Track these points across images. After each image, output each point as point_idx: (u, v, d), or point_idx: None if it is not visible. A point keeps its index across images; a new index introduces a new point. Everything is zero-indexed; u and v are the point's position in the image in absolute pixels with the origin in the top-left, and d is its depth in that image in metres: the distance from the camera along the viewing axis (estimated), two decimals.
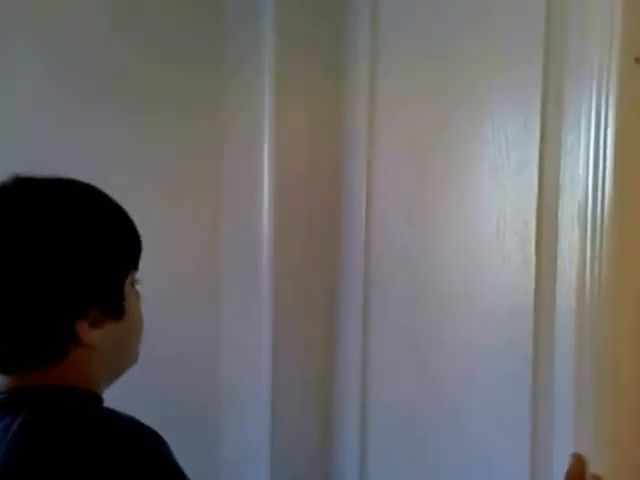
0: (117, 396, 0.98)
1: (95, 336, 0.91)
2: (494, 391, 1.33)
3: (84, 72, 1.78)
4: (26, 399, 0.89)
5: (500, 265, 1.30)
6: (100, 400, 0.94)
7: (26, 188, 0.93)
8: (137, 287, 1.00)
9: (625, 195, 1.12)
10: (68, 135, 1.76)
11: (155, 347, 1.67)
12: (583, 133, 1.15)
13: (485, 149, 1.32)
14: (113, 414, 0.88)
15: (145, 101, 1.82)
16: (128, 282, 0.97)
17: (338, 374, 1.80)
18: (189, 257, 1.88)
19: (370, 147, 1.67)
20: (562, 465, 1.17)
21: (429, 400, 1.50)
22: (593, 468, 1.09)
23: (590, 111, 1.13)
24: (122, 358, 0.99)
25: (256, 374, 1.82)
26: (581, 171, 1.15)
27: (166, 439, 0.88)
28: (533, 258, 1.24)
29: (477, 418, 1.38)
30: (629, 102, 1.11)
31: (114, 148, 1.80)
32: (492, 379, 1.33)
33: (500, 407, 1.32)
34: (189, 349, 1.86)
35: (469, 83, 1.38)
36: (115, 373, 0.99)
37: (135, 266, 0.98)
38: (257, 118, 1.78)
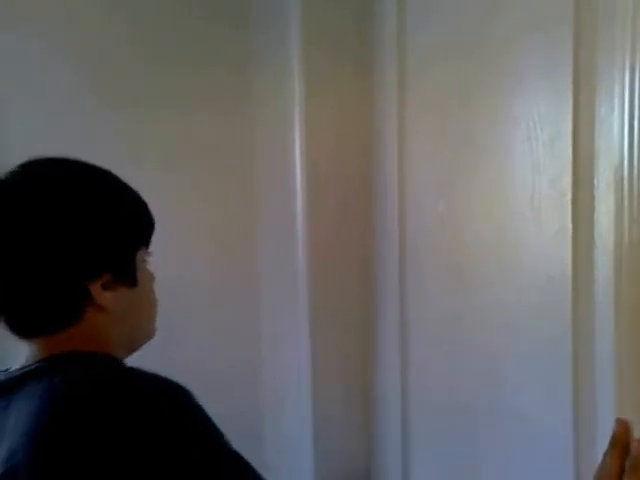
0: None
1: (108, 298, 0.96)
2: (534, 361, 1.33)
3: (114, 72, 1.81)
4: (55, 365, 0.92)
5: (536, 236, 1.30)
6: (118, 363, 0.96)
7: (39, 165, 1.00)
8: (150, 269, 1.05)
9: None
10: (98, 136, 1.78)
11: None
12: (617, 100, 1.15)
13: (518, 122, 1.33)
14: (141, 372, 0.91)
15: (174, 101, 1.85)
16: (140, 257, 1.02)
17: (377, 354, 1.81)
18: (225, 261, 1.91)
19: (401, 134, 1.69)
20: (605, 430, 1.17)
21: (469, 375, 1.51)
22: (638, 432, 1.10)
23: (623, 78, 1.14)
24: (137, 326, 1.04)
25: (295, 367, 1.84)
26: (616, 138, 1.16)
27: None
28: (570, 227, 1.25)
29: (518, 390, 1.38)
30: None
31: (145, 149, 1.83)
32: (532, 350, 1.34)
33: (541, 377, 1.32)
34: (229, 350, 1.90)
35: (499, 61, 1.39)
36: (132, 341, 1.04)
37: (147, 244, 1.04)
38: (287, 112, 1.80)
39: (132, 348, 1.04)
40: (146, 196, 1.05)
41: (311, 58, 1.75)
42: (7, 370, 0.99)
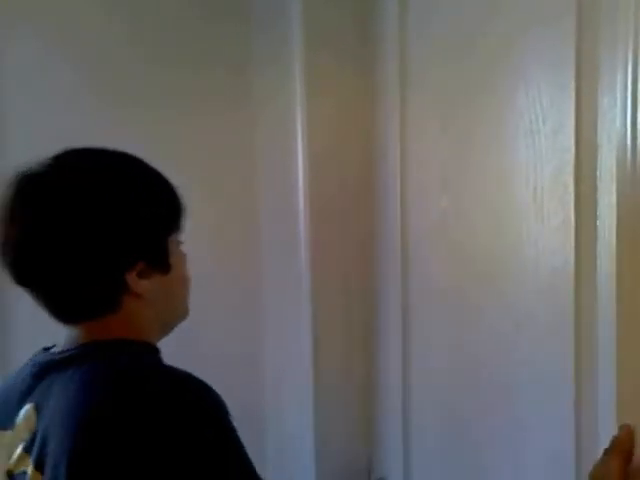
0: None
1: (144, 286, 1.01)
2: (536, 354, 1.33)
3: (114, 72, 1.81)
4: (93, 352, 0.98)
5: (539, 228, 1.31)
6: (158, 351, 1.04)
7: (72, 156, 1.03)
8: (182, 249, 1.11)
9: None
10: (98, 136, 1.75)
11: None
12: (619, 93, 1.15)
13: (520, 116, 1.33)
14: (173, 368, 0.95)
15: (174, 101, 1.84)
16: (173, 241, 1.07)
17: (379, 354, 1.81)
18: (225, 260, 1.91)
19: (403, 131, 1.69)
20: (606, 418, 1.18)
21: (472, 373, 1.51)
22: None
23: (626, 71, 1.14)
24: (172, 310, 1.09)
25: (297, 367, 1.84)
26: (618, 131, 1.16)
27: None
28: (572, 220, 1.25)
29: (520, 385, 1.38)
30: None
31: (145, 149, 1.82)
32: (534, 342, 1.34)
33: (543, 369, 1.32)
34: (232, 347, 1.90)
35: (501, 55, 1.39)
36: (167, 323, 1.09)
37: (178, 227, 1.09)
38: (288, 111, 1.80)
39: (167, 330, 1.09)
40: None
41: (312, 58, 1.76)
42: (50, 348, 1.05)
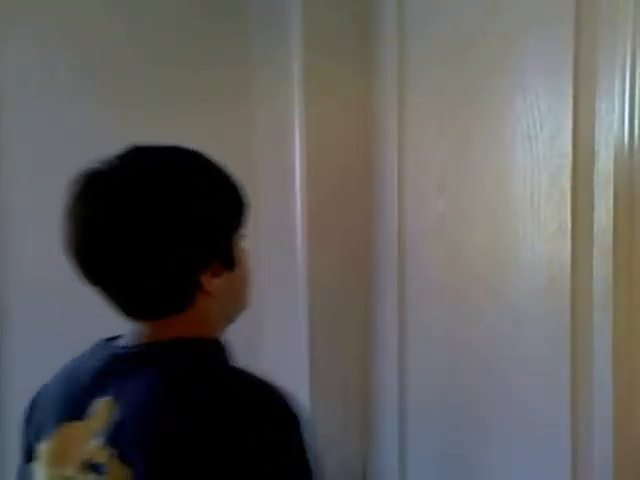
0: None
1: (215, 284, 1.03)
2: (532, 359, 1.34)
3: (114, 72, 1.82)
4: (161, 352, 1.00)
5: (536, 233, 1.31)
6: (224, 349, 1.05)
7: (144, 154, 1.03)
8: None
9: None
10: (98, 135, 1.78)
11: None
12: (617, 99, 1.16)
13: (518, 120, 1.34)
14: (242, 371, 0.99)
15: (173, 101, 1.85)
16: (238, 237, 1.08)
17: (375, 355, 1.82)
18: None
19: (401, 133, 1.70)
20: (602, 428, 1.19)
21: (467, 375, 1.51)
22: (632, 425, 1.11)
23: (624, 76, 1.15)
24: (236, 304, 1.11)
25: (294, 368, 1.84)
26: (616, 136, 1.16)
27: None
28: (569, 226, 1.25)
29: (516, 390, 1.39)
30: None
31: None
32: (530, 347, 1.34)
33: (539, 375, 1.32)
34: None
35: (499, 59, 1.40)
36: (231, 317, 1.12)
37: (243, 223, 1.09)
38: (287, 112, 1.80)
39: (230, 322, 1.11)
40: None
41: (311, 58, 1.76)
42: (111, 340, 1.06)
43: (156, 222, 0.96)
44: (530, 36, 1.31)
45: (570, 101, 1.23)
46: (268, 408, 0.94)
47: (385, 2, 1.72)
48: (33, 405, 1.12)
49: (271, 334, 1.93)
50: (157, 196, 0.97)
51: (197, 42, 1.87)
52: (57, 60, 1.79)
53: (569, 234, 1.25)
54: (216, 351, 1.05)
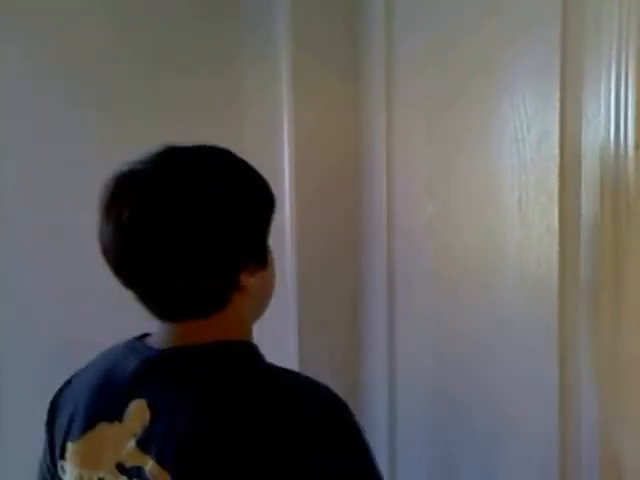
0: None
1: (252, 283, 1.04)
2: (520, 361, 1.34)
3: (100, 73, 1.81)
4: (197, 359, 1.00)
5: (523, 237, 1.31)
6: (257, 352, 1.05)
7: (179, 154, 1.03)
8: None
9: None
10: (83, 137, 1.80)
11: None
12: (603, 102, 1.15)
13: (505, 124, 1.34)
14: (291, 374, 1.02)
15: (159, 103, 1.84)
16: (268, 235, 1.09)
17: (364, 352, 1.83)
18: None
19: (389, 135, 1.69)
20: (590, 428, 1.20)
21: (456, 373, 1.52)
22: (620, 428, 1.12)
23: (610, 79, 1.14)
24: (266, 301, 1.13)
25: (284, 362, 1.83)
26: (603, 139, 1.16)
27: None
28: (557, 228, 1.25)
29: (504, 389, 1.39)
30: None
31: (130, 147, 1.81)
32: (518, 349, 1.35)
33: (527, 376, 1.33)
34: None
35: (486, 63, 1.39)
36: (260, 314, 1.13)
37: (273, 217, 1.10)
38: (275, 113, 1.80)
39: (258, 319, 1.12)
40: None
41: (300, 59, 1.75)
42: (141, 338, 1.06)
43: (193, 222, 0.96)
44: (517, 40, 1.31)
45: (557, 104, 1.23)
46: (321, 413, 0.95)
47: (373, 4, 1.71)
48: (57, 403, 1.12)
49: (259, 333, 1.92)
50: (191, 196, 0.97)
51: (185, 42, 1.86)
52: (50, 60, 1.79)
53: (557, 237, 1.25)
54: (251, 355, 1.04)
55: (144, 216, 0.96)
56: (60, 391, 1.13)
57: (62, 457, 1.05)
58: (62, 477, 1.05)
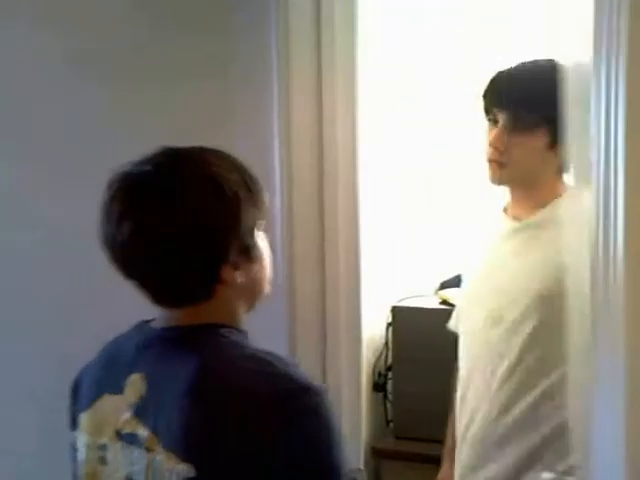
0: None
1: (236, 277, 1.11)
2: None
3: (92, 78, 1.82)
4: (196, 335, 1.11)
5: None
6: (246, 335, 1.15)
7: (173, 157, 1.12)
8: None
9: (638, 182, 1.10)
10: (83, 138, 1.82)
11: None
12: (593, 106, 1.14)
13: None
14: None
15: (152, 112, 1.81)
16: (257, 228, 1.15)
17: None
18: None
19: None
20: None
21: None
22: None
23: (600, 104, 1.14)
24: (257, 292, 1.19)
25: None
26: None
27: None
28: None
29: None
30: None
31: (128, 147, 1.78)
32: None
33: None
34: None
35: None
36: (252, 304, 1.19)
37: (261, 216, 1.16)
38: (267, 118, 1.76)
39: (251, 309, 1.19)
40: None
41: (291, 64, 1.71)
42: (149, 322, 1.17)
43: (177, 227, 1.06)
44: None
45: None
46: (300, 392, 1.02)
47: None
48: (78, 382, 1.23)
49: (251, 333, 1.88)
50: (179, 203, 1.06)
51: (175, 55, 1.79)
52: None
53: None
54: (240, 336, 1.13)
55: (139, 217, 1.07)
56: (81, 372, 1.24)
57: (77, 427, 1.18)
58: (77, 447, 1.18)
